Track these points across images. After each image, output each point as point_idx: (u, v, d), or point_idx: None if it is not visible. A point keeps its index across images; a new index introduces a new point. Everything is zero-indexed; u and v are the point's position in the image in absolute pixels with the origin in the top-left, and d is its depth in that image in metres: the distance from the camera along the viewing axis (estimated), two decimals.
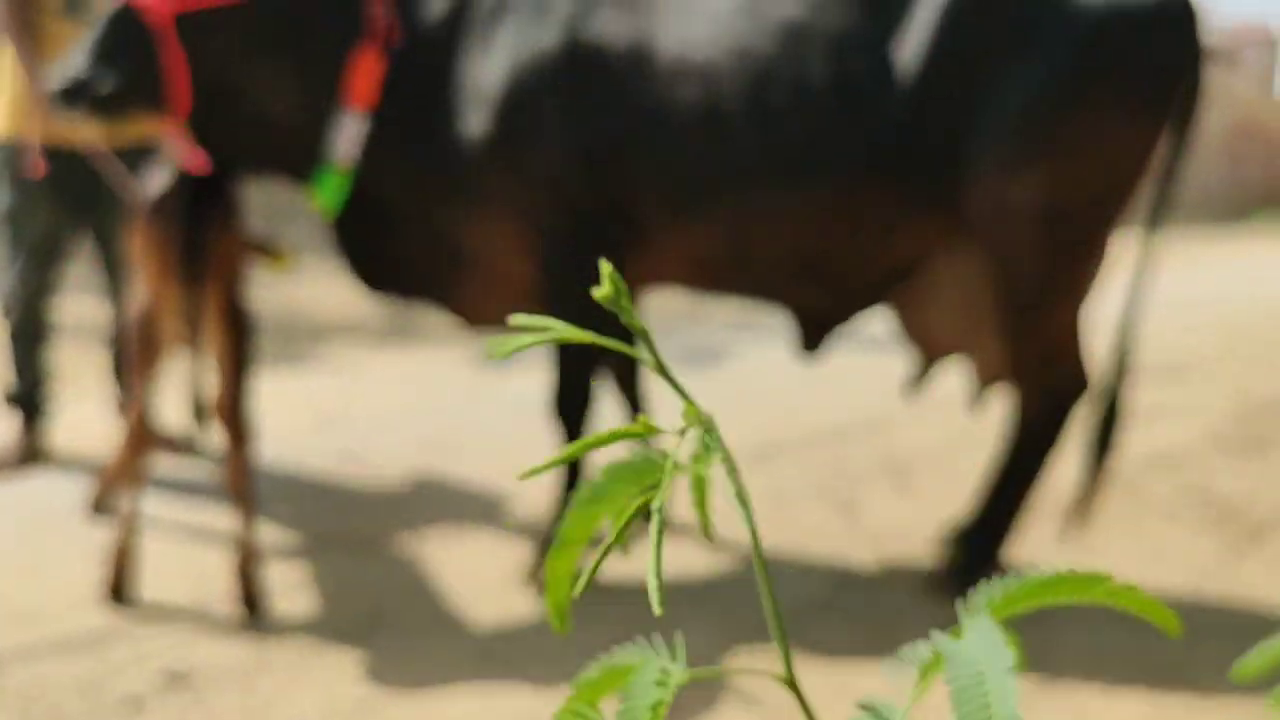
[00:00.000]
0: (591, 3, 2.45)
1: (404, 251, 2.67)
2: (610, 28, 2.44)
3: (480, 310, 2.73)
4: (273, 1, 2.51)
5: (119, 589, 2.34)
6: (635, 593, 2.53)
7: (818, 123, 2.38)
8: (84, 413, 3.68)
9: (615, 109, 2.43)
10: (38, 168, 2.99)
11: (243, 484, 2.33)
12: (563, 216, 2.47)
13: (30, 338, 3.25)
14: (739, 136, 2.40)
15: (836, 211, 2.43)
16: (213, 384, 2.43)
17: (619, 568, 2.46)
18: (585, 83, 2.43)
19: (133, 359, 2.33)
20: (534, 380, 4.48)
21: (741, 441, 3.95)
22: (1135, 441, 3.49)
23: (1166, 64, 2.40)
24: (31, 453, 3.26)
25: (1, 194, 3.15)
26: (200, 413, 2.44)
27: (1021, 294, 2.44)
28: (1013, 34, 2.35)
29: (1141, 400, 3.27)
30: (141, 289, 2.34)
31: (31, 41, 2.98)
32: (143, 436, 2.30)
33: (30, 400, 3.28)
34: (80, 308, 3.55)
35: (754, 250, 2.50)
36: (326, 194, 2.56)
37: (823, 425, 4.21)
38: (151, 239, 2.31)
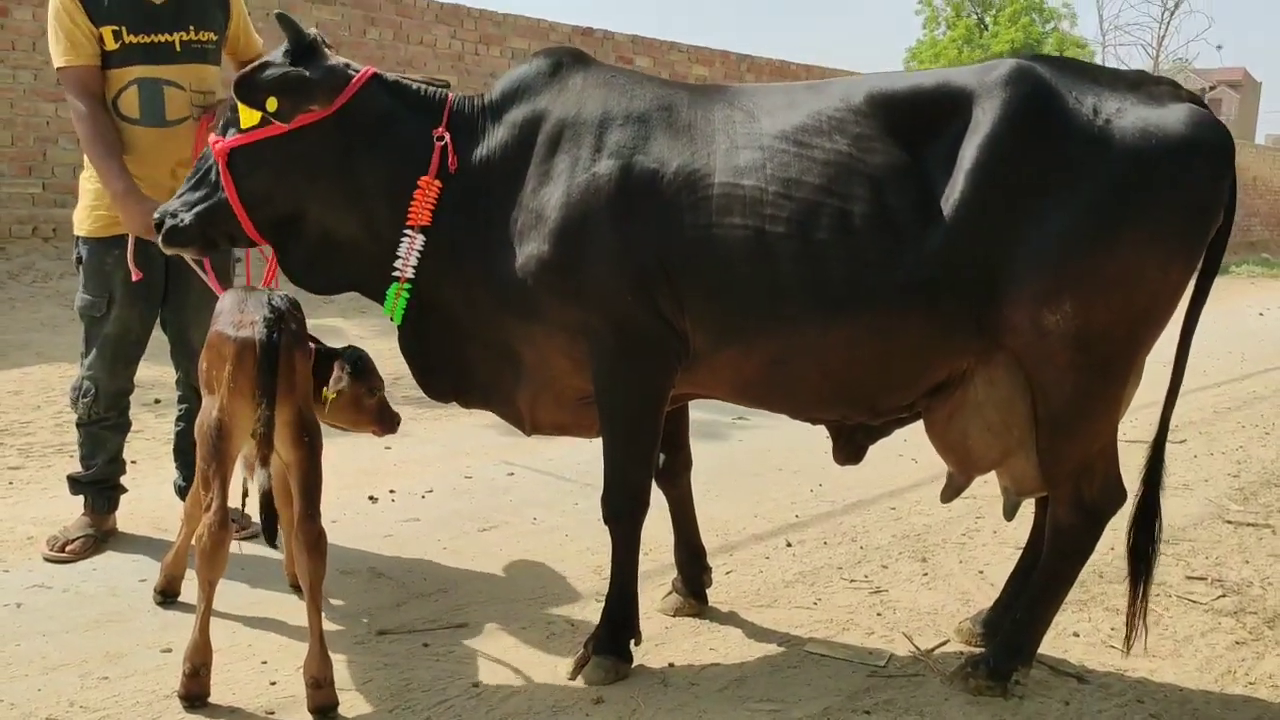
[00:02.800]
0: (644, 136, 2.61)
1: (465, 361, 2.85)
2: (661, 159, 2.58)
3: (536, 419, 2.89)
4: (318, 133, 2.71)
5: (194, 695, 2.48)
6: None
7: (860, 257, 2.48)
8: (144, 490, 3.83)
9: (664, 237, 2.56)
10: (134, 273, 3.19)
11: (316, 592, 2.47)
12: (611, 335, 2.62)
13: (102, 428, 3.42)
14: (783, 268, 2.51)
15: (875, 341, 2.54)
16: (278, 486, 2.61)
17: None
18: (636, 211, 2.57)
19: (206, 467, 2.48)
20: (565, 447, 4.64)
21: (774, 517, 4.10)
22: None
23: (1201, 196, 2.47)
24: (98, 536, 3.41)
25: (83, 291, 3.33)
26: (268, 520, 2.58)
27: (1058, 413, 2.54)
28: (1052, 171, 2.43)
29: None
30: (214, 402, 2.50)
31: (109, 149, 3.16)
32: (218, 540, 2.45)
33: (97, 487, 3.44)
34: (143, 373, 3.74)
35: (795, 375, 2.63)
36: (390, 305, 2.74)
37: (846, 498, 4.34)
38: (225, 356, 2.46)
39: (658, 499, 2.84)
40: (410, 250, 2.71)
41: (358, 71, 2.75)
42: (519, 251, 2.64)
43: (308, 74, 2.67)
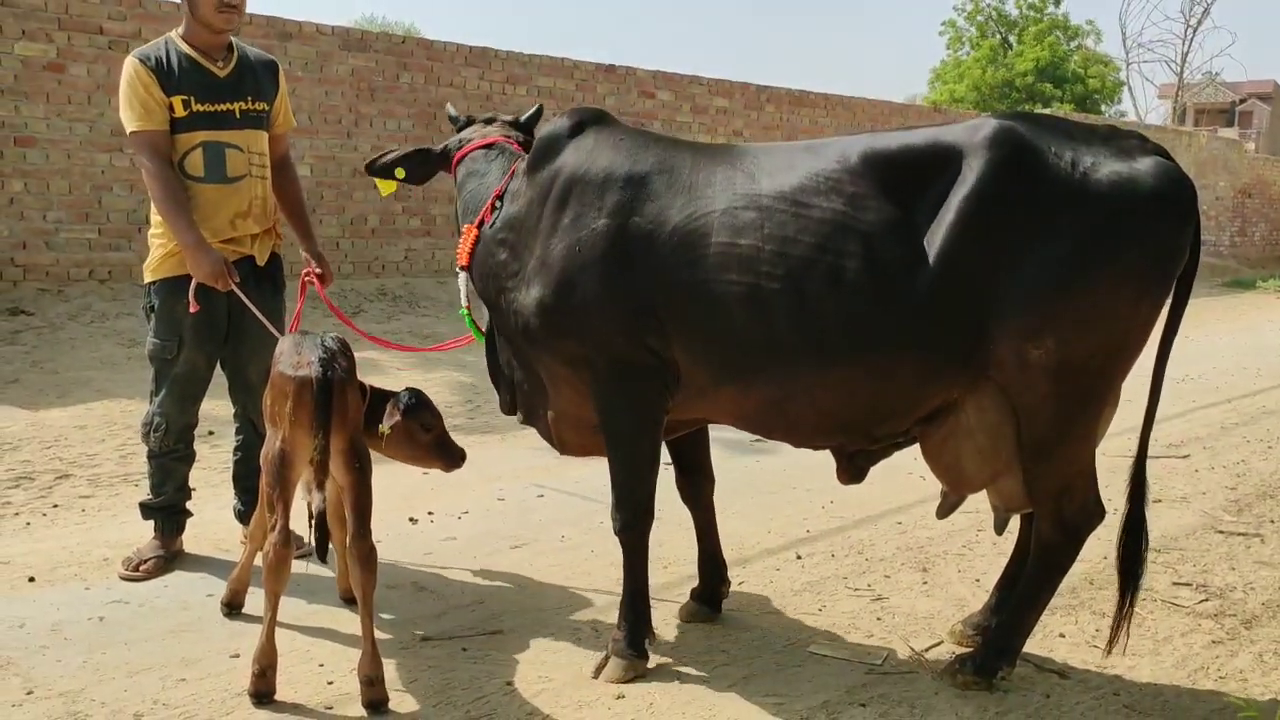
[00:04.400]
0: (642, 197, 2.93)
1: (513, 382, 3.30)
2: (656, 219, 2.89)
3: (563, 439, 3.26)
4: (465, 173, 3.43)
5: (261, 693, 2.80)
6: None
7: (853, 309, 2.71)
8: (204, 515, 4.18)
9: (658, 289, 2.87)
10: (192, 305, 3.55)
11: (368, 601, 2.80)
12: (605, 367, 2.97)
13: (171, 459, 3.78)
14: (778, 320, 2.77)
15: (869, 382, 2.79)
16: (331, 508, 2.94)
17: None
18: (628, 265, 2.89)
19: (271, 491, 2.82)
20: (590, 469, 4.94)
21: (785, 531, 4.38)
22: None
23: (1168, 240, 2.71)
24: (168, 557, 3.76)
25: (154, 335, 3.69)
26: (321, 539, 2.86)
27: (1040, 438, 2.77)
28: (1033, 221, 2.65)
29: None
30: (277, 434, 2.84)
31: (180, 206, 3.54)
32: (282, 557, 2.78)
33: (166, 512, 3.80)
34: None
35: (793, 412, 2.91)
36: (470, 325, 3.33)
37: (854, 514, 4.62)
38: (286, 393, 2.80)
39: (682, 515, 3.13)
40: (460, 285, 3.28)
41: (469, 142, 3.47)
42: (530, 292, 3.03)
43: (430, 150, 3.57)
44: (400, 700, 2.85)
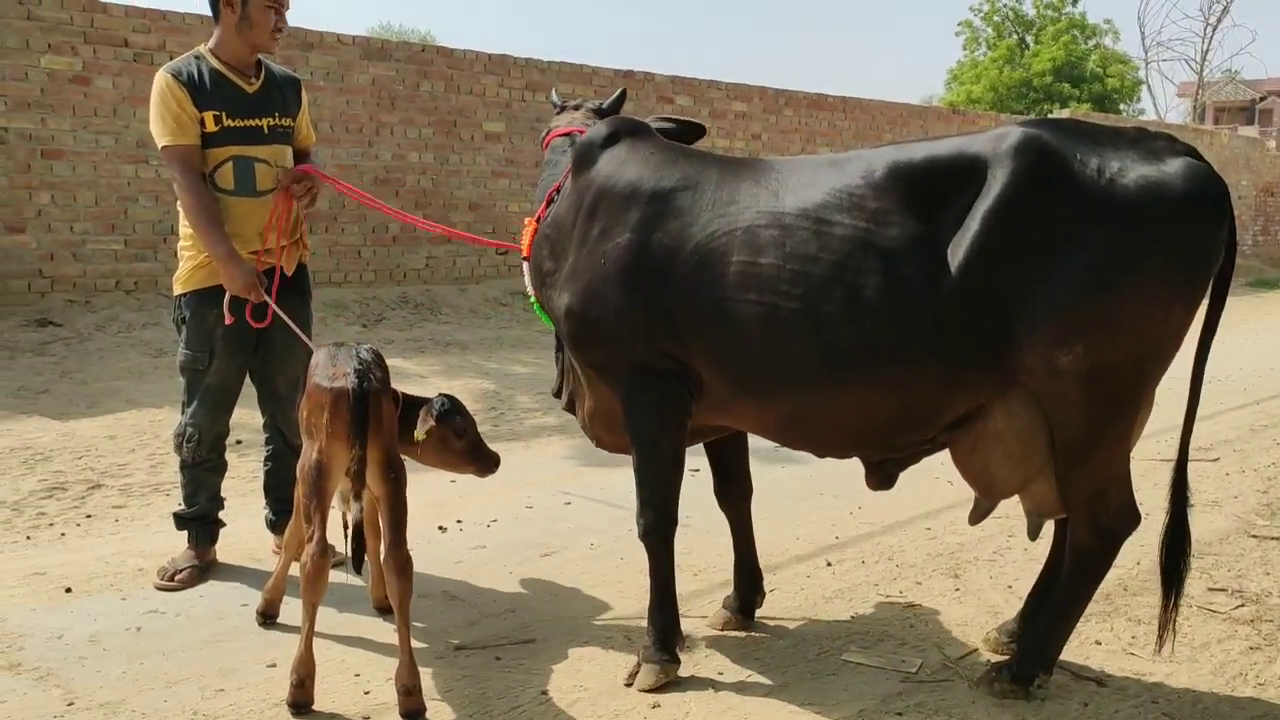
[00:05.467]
0: (664, 213, 2.96)
1: (563, 373, 3.39)
2: (678, 236, 2.93)
3: (597, 435, 3.34)
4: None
5: (300, 704, 2.81)
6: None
7: (873, 327, 2.71)
8: (235, 525, 4.21)
9: (677, 304, 2.90)
10: (226, 318, 3.58)
11: (405, 611, 2.81)
12: (626, 371, 3.03)
13: (204, 470, 3.80)
14: (796, 339, 2.78)
15: (889, 396, 2.79)
16: (367, 519, 2.97)
17: None
18: (647, 279, 2.93)
19: (308, 502, 2.84)
20: (616, 476, 4.95)
21: (815, 539, 4.38)
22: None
23: (1199, 243, 2.67)
24: (202, 567, 3.79)
25: (185, 347, 3.72)
26: (358, 550, 2.88)
27: (1073, 443, 2.75)
28: (1061, 228, 2.63)
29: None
30: (314, 445, 2.85)
31: (212, 219, 3.57)
32: (320, 567, 2.79)
33: (200, 523, 3.83)
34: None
35: (811, 425, 2.93)
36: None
37: (883, 520, 4.61)
38: (323, 405, 2.82)
39: (710, 523, 3.13)
40: (525, 275, 3.38)
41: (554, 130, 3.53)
42: (561, 298, 3.10)
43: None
44: (437, 710, 2.86)
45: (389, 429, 2.90)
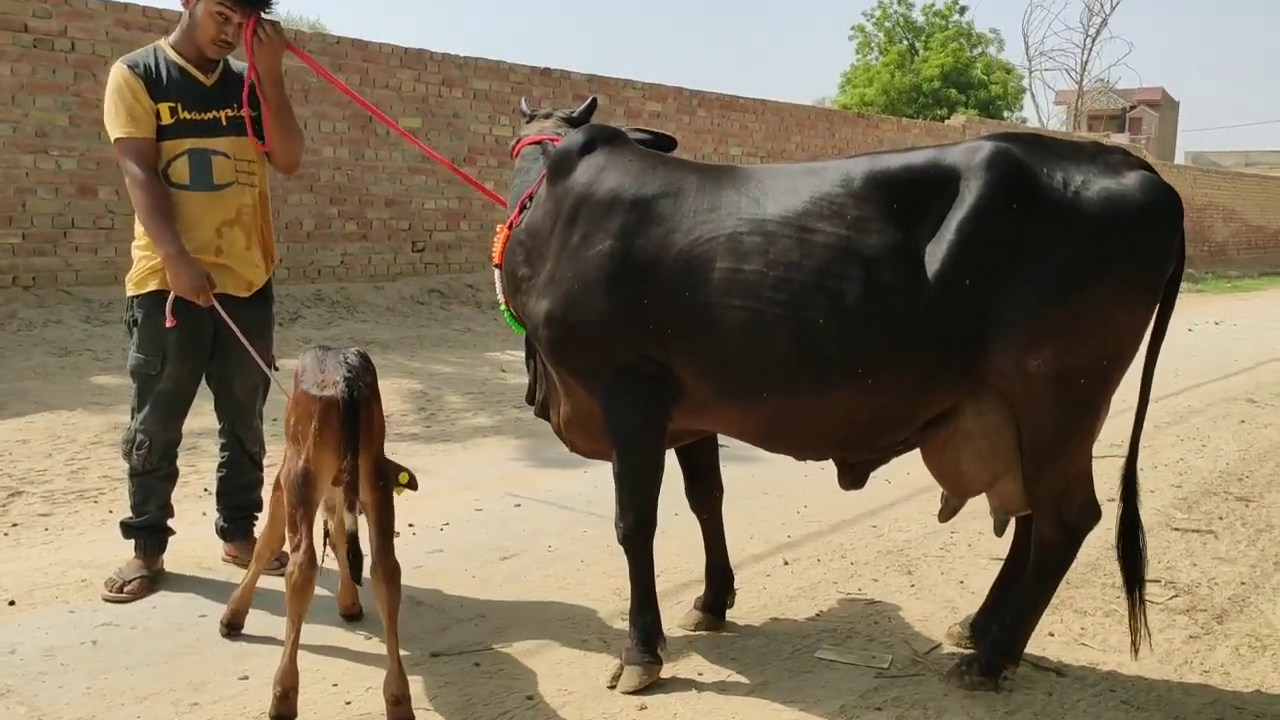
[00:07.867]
0: (646, 220, 2.98)
1: (538, 374, 3.37)
2: (660, 243, 2.95)
3: (572, 440, 3.33)
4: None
5: (284, 716, 2.73)
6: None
7: (854, 332, 2.78)
8: (181, 532, 4.06)
9: (659, 310, 2.92)
10: (169, 320, 3.45)
11: (393, 619, 2.76)
12: (608, 375, 3.03)
13: (154, 478, 3.66)
14: (779, 345, 2.84)
15: (869, 400, 2.87)
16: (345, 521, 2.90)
17: None
18: (629, 286, 2.95)
19: (294, 511, 2.76)
20: (562, 478, 4.95)
21: (769, 538, 4.46)
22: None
23: (1157, 250, 2.83)
24: (151, 577, 3.65)
25: (137, 350, 3.58)
26: (355, 559, 2.81)
27: (1041, 443, 2.89)
28: (1030, 238, 2.75)
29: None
30: (300, 453, 2.78)
31: (164, 216, 3.44)
32: (307, 577, 2.72)
33: (149, 532, 3.69)
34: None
35: (793, 429, 2.99)
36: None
37: (831, 519, 4.72)
38: (310, 412, 2.75)
39: (669, 524, 3.16)
40: (496, 282, 3.36)
41: (525, 138, 3.50)
42: (540, 304, 3.08)
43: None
44: (425, 718, 2.83)
45: (379, 437, 2.85)
